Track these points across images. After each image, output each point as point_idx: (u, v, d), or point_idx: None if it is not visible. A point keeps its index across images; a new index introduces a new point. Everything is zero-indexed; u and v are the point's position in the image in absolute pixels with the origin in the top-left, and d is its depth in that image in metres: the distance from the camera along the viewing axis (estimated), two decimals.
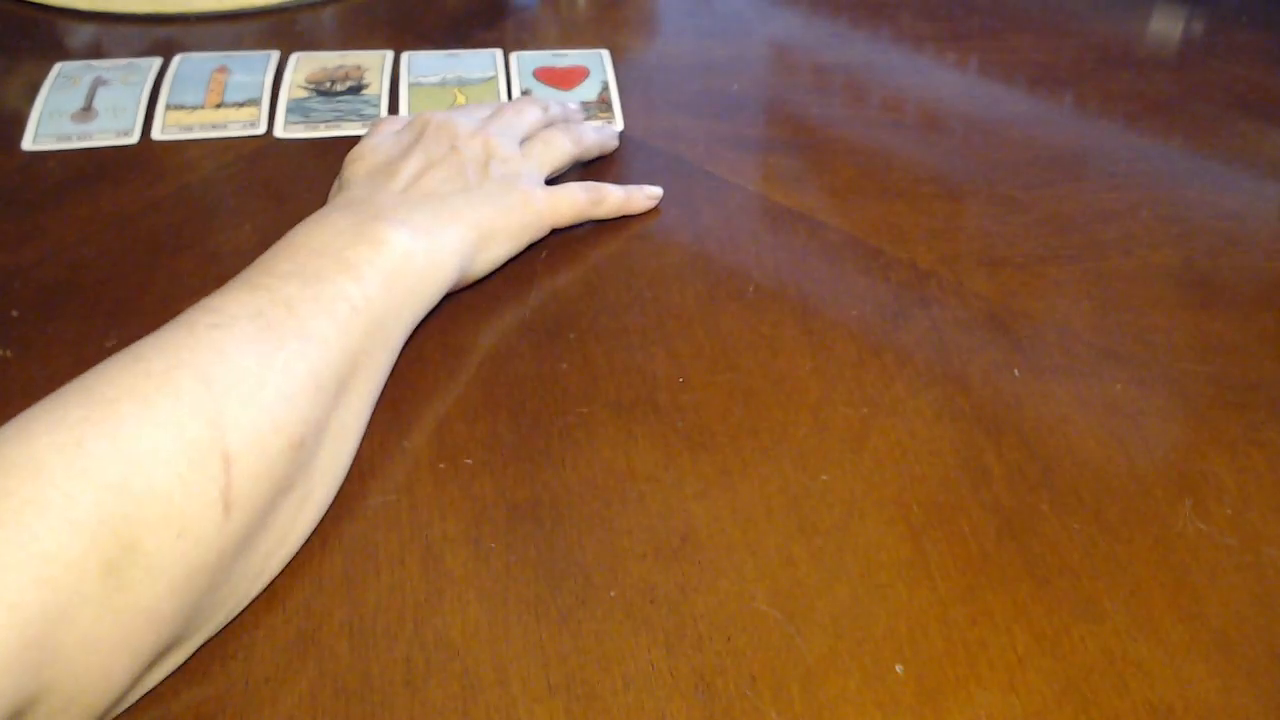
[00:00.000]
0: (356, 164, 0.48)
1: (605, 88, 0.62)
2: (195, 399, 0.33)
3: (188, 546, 0.31)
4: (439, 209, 0.44)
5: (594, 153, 0.55)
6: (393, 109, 0.60)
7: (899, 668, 0.35)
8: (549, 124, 0.54)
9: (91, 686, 0.30)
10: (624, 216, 0.53)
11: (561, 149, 0.52)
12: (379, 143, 0.49)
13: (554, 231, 0.50)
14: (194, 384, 0.33)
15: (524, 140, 0.52)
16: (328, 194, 0.55)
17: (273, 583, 0.37)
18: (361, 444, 0.41)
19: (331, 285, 0.38)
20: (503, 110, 0.53)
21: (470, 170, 0.47)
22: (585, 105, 0.60)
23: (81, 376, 0.34)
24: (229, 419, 0.33)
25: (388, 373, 0.42)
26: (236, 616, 0.36)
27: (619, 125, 0.59)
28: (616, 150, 0.58)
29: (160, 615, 0.31)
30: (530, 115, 0.53)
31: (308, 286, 0.38)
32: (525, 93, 0.61)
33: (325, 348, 0.37)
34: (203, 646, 0.35)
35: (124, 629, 0.30)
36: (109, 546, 0.29)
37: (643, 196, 0.53)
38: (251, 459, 0.33)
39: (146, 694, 0.34)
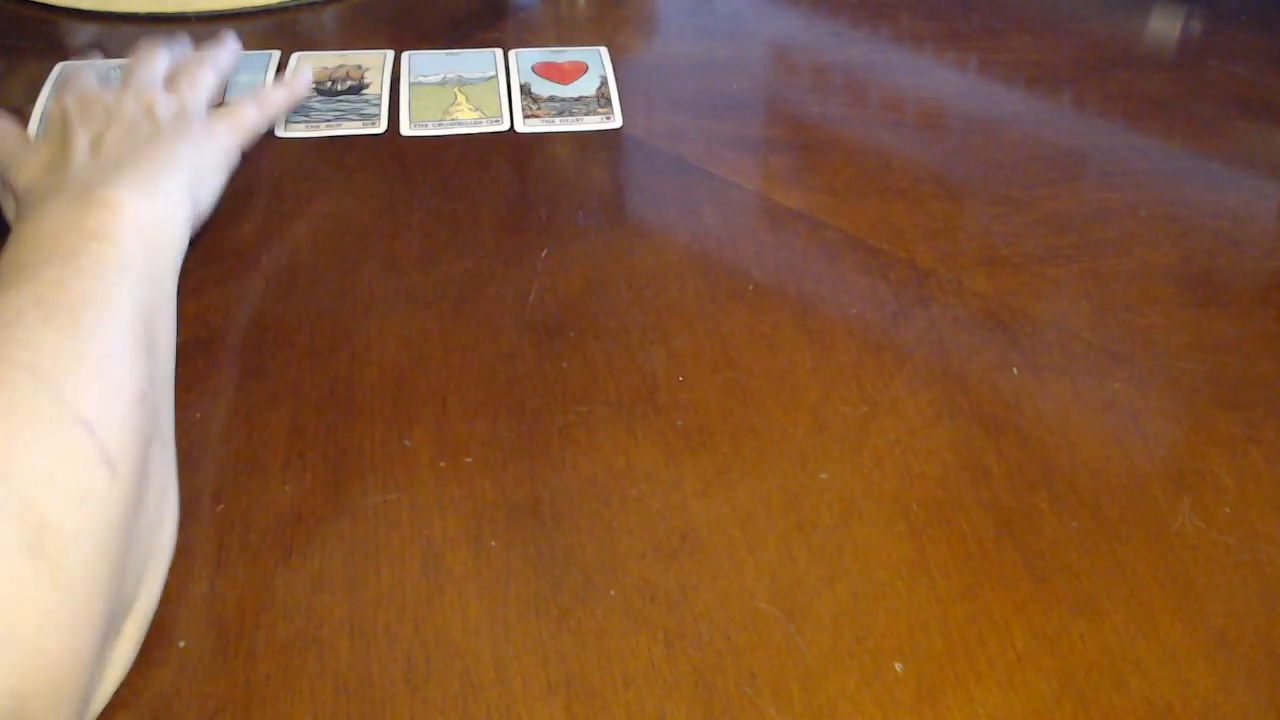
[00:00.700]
0: (19, 172, 0.45)
1: (604, 82, 0.62)
2: (31, 386, 0.33)
3: (93, 510, 0.32)
4: (138, 161, 0.44)
5: (227, 65, 0.56)
6: (394, 108, 0.60)
7: (898, 666, 0.35)
8: (180, 62, 0.54)
9: (67, 669, 0.30)
10: (619, 212, 0.52)
11: (203, 79, 0.53)
12: (24, 149, 0.47)
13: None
14: (22, 375, 0.33)
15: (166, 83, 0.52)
16: (328, 193, 0.55)
17: (272, 581, 0.37)
18: (362, 442, 0.41)
19: (90, 256, 0.38)
20: (132, 68, 0.52)
21: (142, 124, 0.47)
22: (584, 100, 0.60)
23: None
24: (70, 392, 0.33)
25: (174, 326, 0.41)
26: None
27: (618, 122, 0.59)
28: (617, 150, 0.58)
29: (98, 580, 0.32)
30: (160, 60, 0.53)
31: (68, 267, 0.37)
32: (523, 87, 0.61)
33: (117, 308, 0.37)
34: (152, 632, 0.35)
35: (72, 602, 0.31)
36: (23, 531, 0.30)
37: (299, 82, 0.56)
38: (110, 418, 0.34)
39: (148, 693, 0.34)
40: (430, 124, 0.59)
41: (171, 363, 0.40)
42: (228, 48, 0.57)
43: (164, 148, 0.45)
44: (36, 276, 0.37)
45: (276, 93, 0.55)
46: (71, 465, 0.32)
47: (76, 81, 0.52)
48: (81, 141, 0.45)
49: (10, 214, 0.47)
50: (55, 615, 0.30)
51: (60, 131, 0.47)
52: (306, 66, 0.58)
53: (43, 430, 0.32)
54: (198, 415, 0.42)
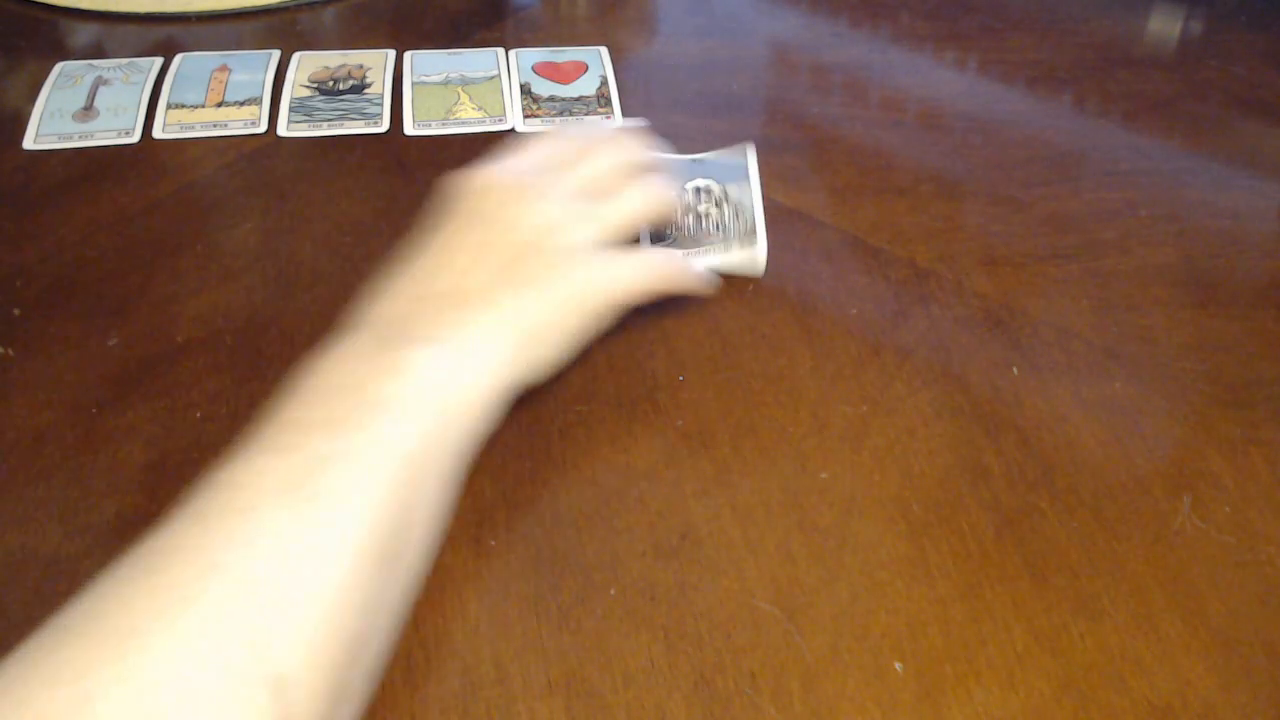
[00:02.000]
0: (398, 274, 0.40)
1: (604, 82, 0.62)
2: (232, 609, 0.27)
3: None
4: (475, 311, 0.37)
5: (670, 215, 0.46)
6: (396, 108, 0.60)
7: (898, 665, 0.35)
8: (622, 169, 0.44)
9: None
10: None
11: (632, 211, 0.42)
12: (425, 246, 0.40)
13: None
14: (227, 590, 0.28)
15: (593, 191, 0.42)
16: (329, 193, 0.55)
17: None
18: None
19: (365, 430, 0.32)
20: (568, 160, 0.43)
21: (511, 259, 0.38)
22: (584, 100, 0.60)
23: (95, 590, 0.28)
24: (274, 629, 0.28)
25: (444, 517, 0.36)
26: None
27: (618, 122, 0.59)
28: None
29: None
30: (600, 165, 0.43)
31: (338, 438, 0.32)
32: (523, 87, 0.61)
33: (372, 507, 0.31)
34: None
35: None
36: None
37: (694, 271, 0.44)
38: (307, 676, 0.28)
39: None
40: (434, 123, 0.59)
41: (423, 561, 0.34)
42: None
43: (511, 293, 0.37)
44: (300, 446, 0.32)
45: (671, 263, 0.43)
46: None
47: (514, 167, 0.42)
48: (441, 261, 0.38)
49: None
50: None
51: (444, 233, 0.40)
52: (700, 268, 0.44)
53: (218, 686, 0.26)
54: (198, 415, 0.42)
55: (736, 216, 0.50)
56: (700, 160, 0.51)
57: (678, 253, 0.45)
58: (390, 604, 0.32)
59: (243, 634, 0.27)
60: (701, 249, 0.48)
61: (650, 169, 0.45)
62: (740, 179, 0.51)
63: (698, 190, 0.49)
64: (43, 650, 0.26)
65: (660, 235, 0.48)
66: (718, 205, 0.50)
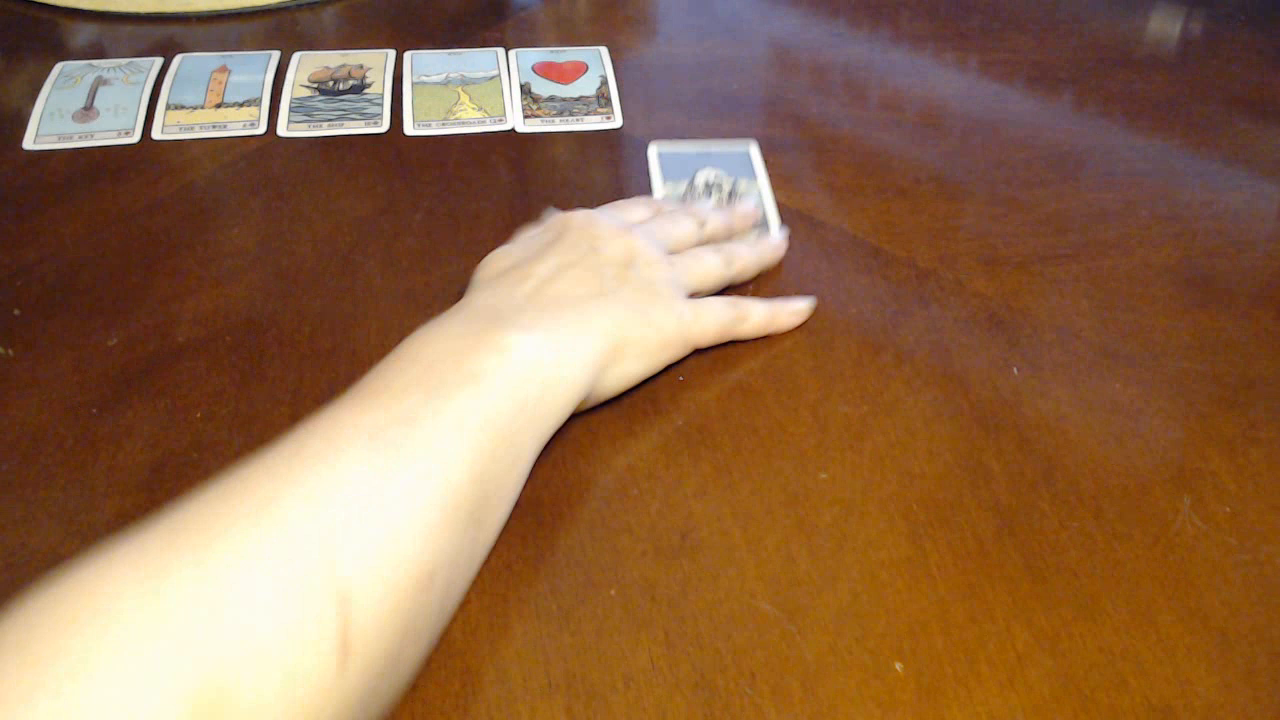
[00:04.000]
0: (485, 268, 0.44)
1: (604, 82, 0.62)
2: (303, 524, 0.29)
3: (298, 695, 0.27)
4: (569, 312, 0.40)
5: (750, 274, 0.49)
6: (396, 108, 0.60)
7: (898, 665, 0.35)
8: (703, 241, 0.48)
9: None
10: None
11: (713, 270, 0.46)
12: (513, 248, 0.45)
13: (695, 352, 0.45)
14: (301, 508, 0.29)
15: (671, 252, 0.46)
16: (329, 193, 0.55)
17: None
18: None
19: (454, 398, 0.34)
20: (655, 216, 0.48)
21: (608, 273, 0.42)
22: (584, 100, 0.60)
23: (179, 504, 0.30)
24: (344, 549, 0.29)
25: (515, 499, 0.37)
26: None
27: (618, 122, 0.59)
28: (617, 151, 0.58)
29: None
30: (683, 227, 0.48)
31: (429, 400, 0.34)
32: (524, 87, 0.61)
33: (452, 469, 0.33)
34: None
35: None
36: (196, 698, 0.25)
37: (788, 312, 0.47)
38: (373, 598, 0.29)
39: None
40: (434, 123, 0.59)
41: (494, 539, 0.36)
42: (760, 249, 0.49)
43: (603, 310, 0.40)
44: (390, 405, 0.33)
45: (758, 309, 0.46)
46: (296, 637, 0.27)
47: (623, 205, 0.49)
48: (540, 271, 0.42)
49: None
50: None
51: (542, 246, 0.44)
52: (804, 305, 0.47)
53: (283, 587, 0.28)
54: (198, 415, 0.42)
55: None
56: (707, 153, 0.53)
57: (751, 301, 0.46)
58: (463, 564, 0.34)
59: (313, 547, 0.28)
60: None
61: (721, 236, 0.49)
62: (747, 172, 0.53)
63: (708, 185, 0.52)
64: (129, 538, 0.28)
65: None
66: (729, 199, 0.52)
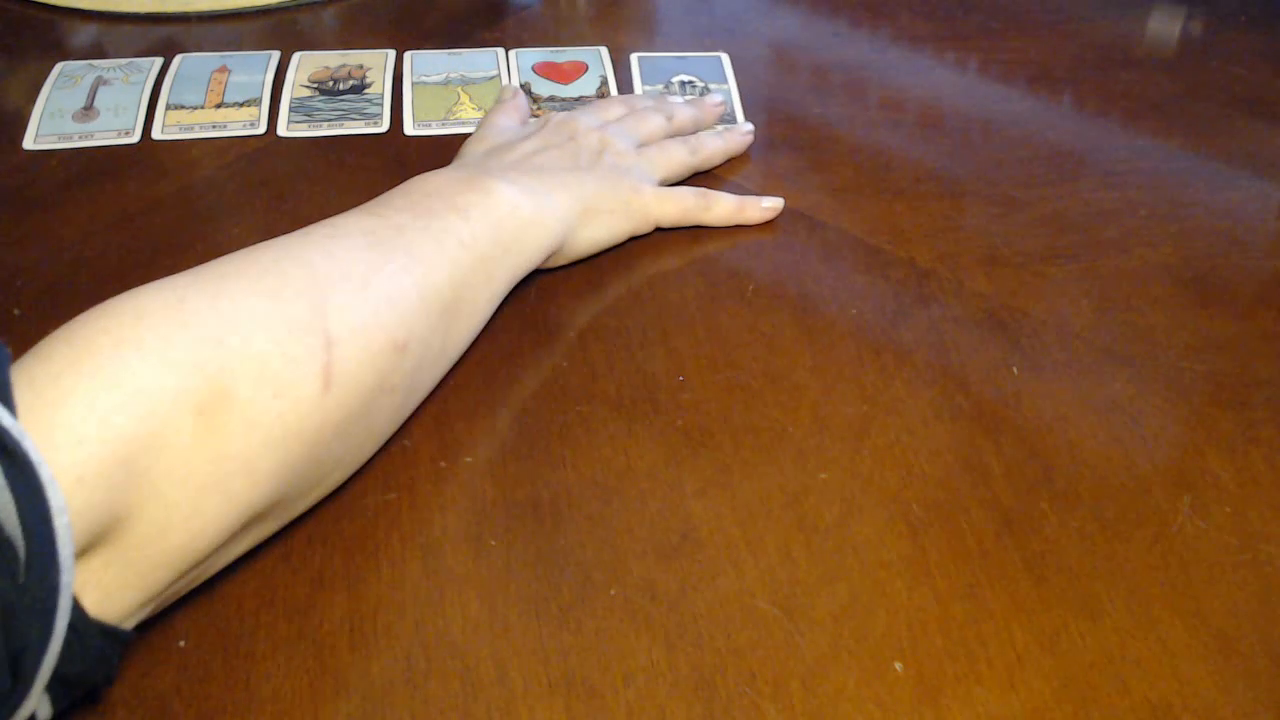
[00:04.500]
0: (476, 141, 0.51)
1: (604, 82, 0.62)
2: (300, 283, 0.35)
3: (284, 408, 0.33)
4: (547, 177, 0.46)
5: (718, 160, 0.55)
6: (396, 108, 0.60)
7: (898, 665, 0.35)
8: (672, 133, 0.55)
9: (181, 522, 0.31)
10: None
11: (677, 157, 0.53)
12: (503, 125, 0.53)
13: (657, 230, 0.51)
14: (300, 271, 0.36)
15: (642, 144, 0.53)
16: (329, 193, 0.55)
17: (273, 581, 0.37)
18: None
19: (440, 220, 0.41)
20: (628, 114, 0.54)
21: (584, 156, 0.49)
22: (584, 100, 0.60)
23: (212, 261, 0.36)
24: (332, 305, 0.35)
25: (488, 315, 0.44)
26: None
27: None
28: None
29: (256, 469, 0.32)
30: (653, 122, 0.54)
31: (419, 219, 0.41)
32: (524, 87, 0.61)
33: (431, 269, 0.39)
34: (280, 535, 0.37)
35: (217, 472, 0.31)
36: (202, 391, 0.31)
37: (758, 207, 0.52)
38: (353, 346, 0.35)
39: (148, 693, 0.34)
40: (434, 124, 0.59)
41: (465, 344, 0.43)
42: (730, 137, 0.56)
43: (577, 180, 0.47)
44: (387, 216, 0.40)
45: (726, 200, 0.52)
46: (287, 360, 0.33)
47: (601, 105, 0.55)
48: (525, 147, 0.49)
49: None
50: (192, 476, 0.30)
51: (527, 131, 0.51)
52: (776, 202, 0.52)
53: (280, 320, 0.34)
54: None
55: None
56: (682, 59, 0.64)
57: (719, 193, 0.51)
58: (434, 349, 0.40)
59: (307, 300, 0.35)
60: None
61: (688, 129, 0.56)
62: (719, 77, 0.62)
63: (682, 83, 0.61)
64: (157, 280, 0.34)
65: None
66: (701, 96, 0.60)
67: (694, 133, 0.56)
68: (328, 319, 0.35)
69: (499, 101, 0.57)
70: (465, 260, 0.41)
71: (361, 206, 0.42)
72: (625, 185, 0.49)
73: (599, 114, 0.54)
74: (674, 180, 0.53)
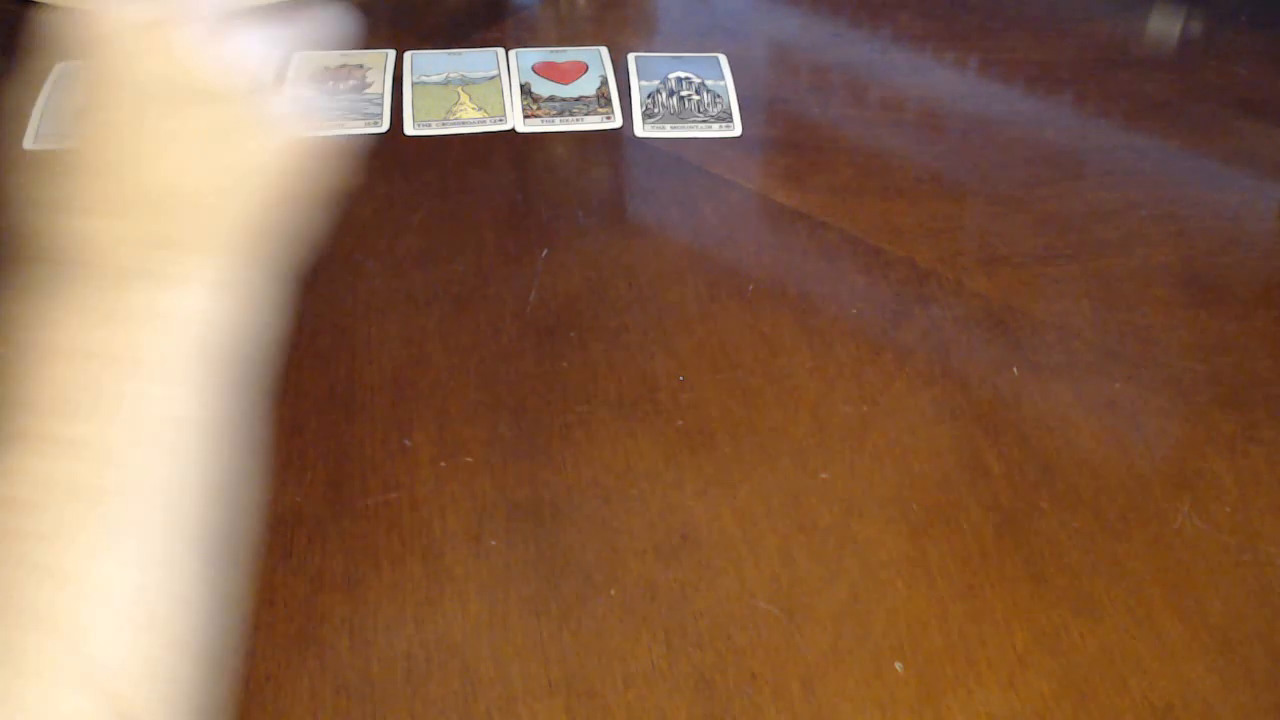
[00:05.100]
0: None
1: (604, 82, 0.62)
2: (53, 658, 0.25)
3: None
4: None
5: None
6: (396, 108, 0.60)
7: (899, 665, 0.35)
8: None
9: None
10: (619, 212, 0.51)
11: None
12: None
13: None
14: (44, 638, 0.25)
15: None
16: (329, 192, 0.55)
17: (273, 581, 0.37)
18: (362, 442, 0.41)
19: None
20: None
21: None
22: (584, 100, 0.60)
23: None
24: (102, 663, 0.25)
25: None
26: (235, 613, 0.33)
27: (618, 122, 0.59)
28: (617, 150, 0.58)
29: None
30: None
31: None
32: (524, 87, 0.61)
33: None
34: None
35: None
36: None
37: None
38: (152, 692, 0.26)
39: None
40: (434, 123, 0.59)
41: None
42: None
43: None
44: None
45: None
46: None
47: None
48: None
49: None
50: None
51: None
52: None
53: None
54: None
55: (714, 101, 0.60)
56: (679, 58, 0.64)
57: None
58: None
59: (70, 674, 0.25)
60: (686, 125, 0.58)
61: None
62: (715, 75, 0.62)
63: (679, 79, 0.61)
64: None
65: (649, 114, 0.59)
66: (698, 93, 0.61)
67: None
68: (108, 684, 0.25)
69: None
70: None
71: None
72: None
73: None
74: None
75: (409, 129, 0.59)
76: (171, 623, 0.28)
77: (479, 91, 0.61)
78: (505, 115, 0.60)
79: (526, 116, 0.60)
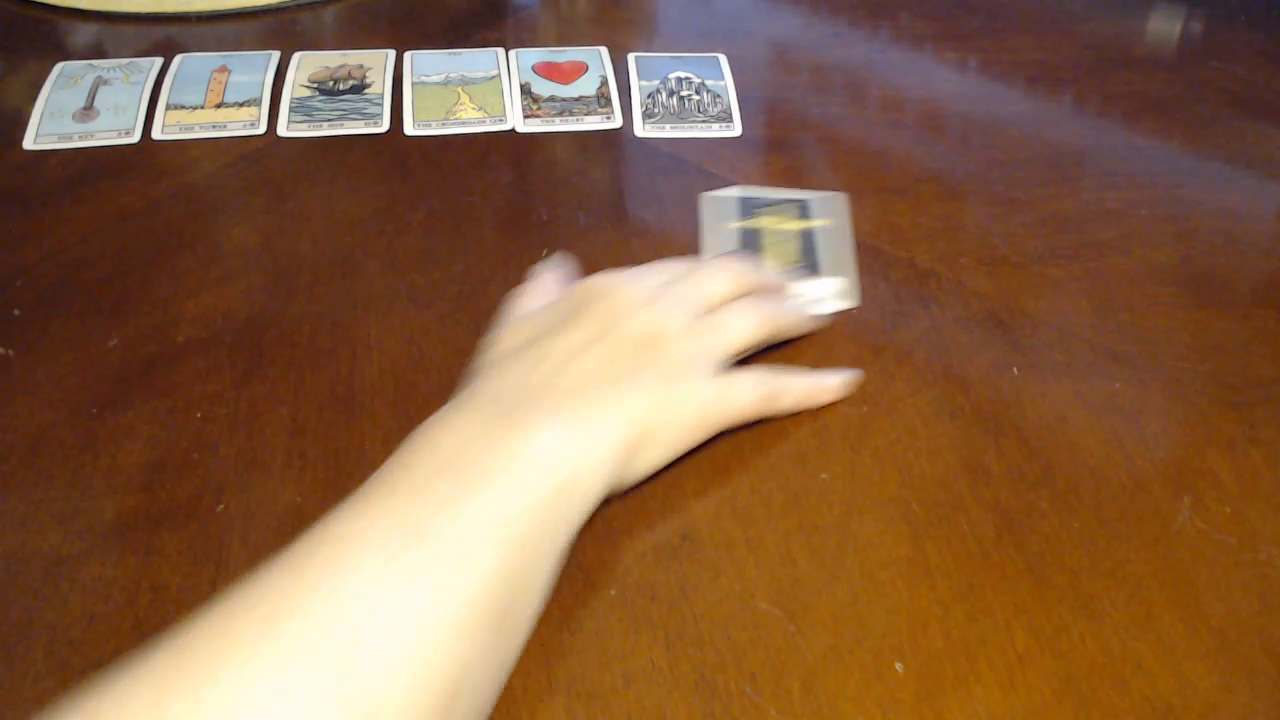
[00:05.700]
0: (500, 343, 0.41)
1: (604, 82, 0.62)
2: (318, 640, 0.27)
3: None
4: (589, 401, 0.37)
5: (788, 335, 0.45)
6: (396, 108, 0.60)
7: (899, 665, 0.35)
8: (741, 294, 0.44)
9: None
10: (620, 212, 0.50)
11: (745, 331, 0.42)
12: (528, 321, 0.42)
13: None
14: (305, 628, 0.28)
15: (707, 312, 0.42)
16: (329, 193, 0.55)
17: None
18: (362, 442, 0.41)
19: (470, 501, 0.32)
20: (685, 276, 0.43)
21: (631, 353, 0.39)
22: (584, 100, 0.60)
23: (176, 633, 0.28)
24: (362, 674, 0.27)
25: (546, 597, 0.35)
26: None
27: (618, 122, 0.59)
28: (617, 150, 0.58)
29: None
30: (715, 285, 0.43)
31: (443, 505, 0.32)
32: (524, 87, 0.61)
33: (473, 578, 0.31)
34: None
35: None
36: None
37: (829, 385, 0.44)
38: (391, 716, 0.28)
39: None
40: (434, 124, 0.59)
41: (525, 639, 0.34)
42: (802, 320, 0.46)
43: (624, 397, 0.37)
44: (401, 511, 0.32)
45: (794, 386, 0.43)
46: None
47: (647, 270, 0.44)
48: (558, 350, 0.39)
49: (469, 370, 0.41)
50: None
51: (560, 318, 0.40)
52: (844, 377, 0.44)
53: (303, 707, 0.26)
54: (198, 415, 0.42)
55: (714, 101, 0.61)
56: (680, 58, 0.64)
57: (786, 377, 0.43)
58: (493, 669, 0.32)
59: (330, 666, 0.27)
60: (686, 124, 0.59)
61: (760, 291, 0.45)
62: (715, 74, 0.63)
63: (679, 79, 0.62)
64: (130, 666, 0.27)
65: (649, 114, 0.60)
66: (697, 93, 0.62)
67: (760, 291, 0.45)
68: (354, 693, 0.27)
69: (532, 279, 0.47)
70: (511, 547, 0.32)
71: (369, 489, 0.33)
72: (683, 393, 0.39)
73: (649, 278, 0.43)
74: (745, 352, 0.43)
75: (409, 129, 0.59)
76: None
77: (479, 91, 0.61)
78: (505, 115, 0.60)
79: (526, 116, 0.60)
